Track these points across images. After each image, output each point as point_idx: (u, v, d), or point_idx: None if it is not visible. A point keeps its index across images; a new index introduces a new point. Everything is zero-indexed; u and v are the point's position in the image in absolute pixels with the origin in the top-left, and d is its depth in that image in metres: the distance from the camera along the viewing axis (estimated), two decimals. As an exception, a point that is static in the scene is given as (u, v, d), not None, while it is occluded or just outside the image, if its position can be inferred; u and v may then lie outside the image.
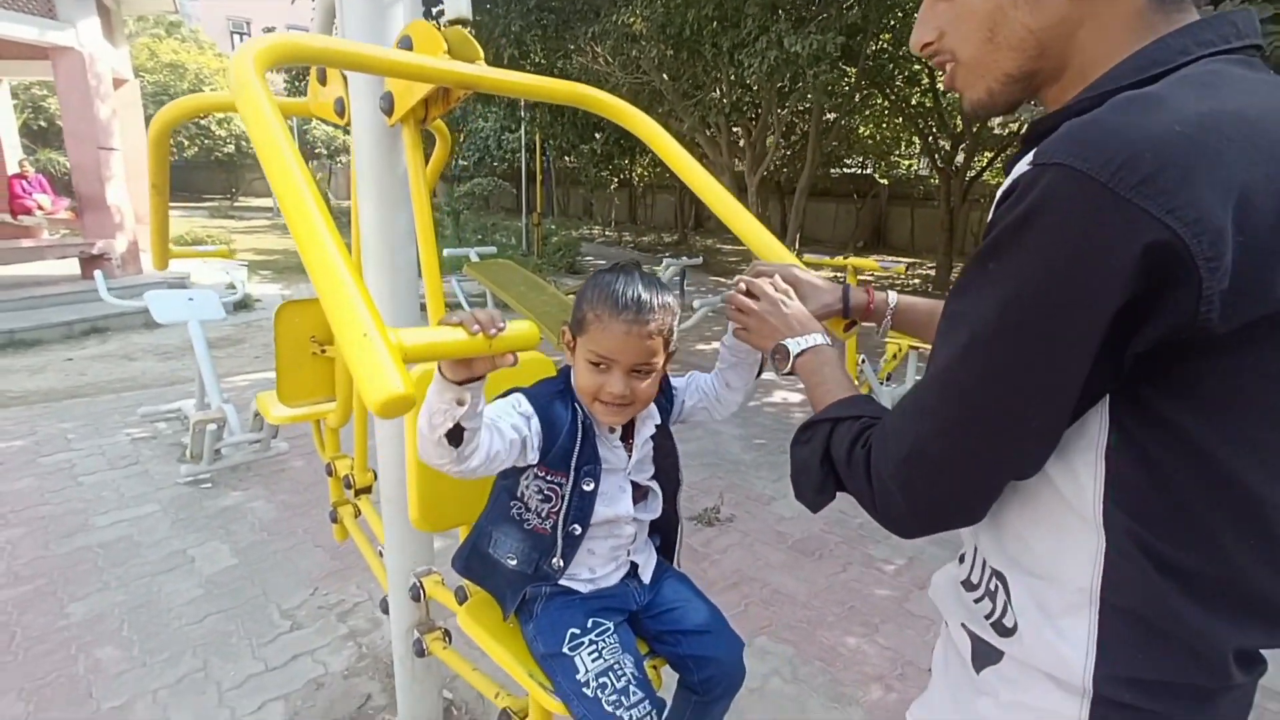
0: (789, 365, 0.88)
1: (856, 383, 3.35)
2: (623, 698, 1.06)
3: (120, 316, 6.47)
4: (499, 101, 10.44)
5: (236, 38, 29.81)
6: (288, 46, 0.97)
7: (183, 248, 2.30)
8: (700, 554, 2.87)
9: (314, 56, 1.06)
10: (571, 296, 5.44)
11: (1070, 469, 0.60)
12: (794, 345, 0.88)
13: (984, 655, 0.70)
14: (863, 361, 3.38)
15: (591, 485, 1.12)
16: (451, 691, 2.03)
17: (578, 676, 1.08)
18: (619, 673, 1.08)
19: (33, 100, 19.53)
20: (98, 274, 3.89)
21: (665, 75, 6.50)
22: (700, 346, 6.84)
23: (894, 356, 3.50)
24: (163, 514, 3.05)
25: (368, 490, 2.02)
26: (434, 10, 6.87)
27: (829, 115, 8.67)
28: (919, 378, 3.37)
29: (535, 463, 1.10)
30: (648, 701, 1.08)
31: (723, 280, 12.28)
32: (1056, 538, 0.63)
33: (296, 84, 12.66)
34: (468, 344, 0.78)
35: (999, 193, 0.61)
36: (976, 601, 0.71)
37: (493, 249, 6.34)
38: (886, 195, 17.20)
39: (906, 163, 15.91)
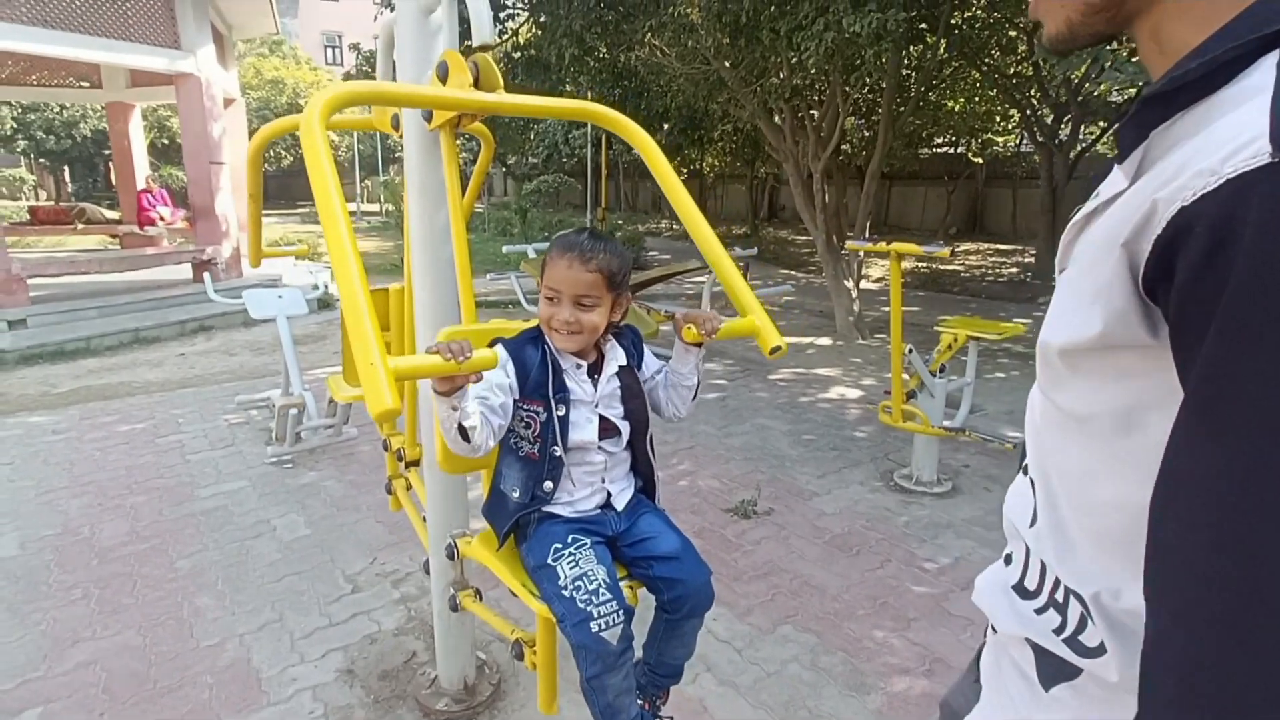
0: None
1: (905, 375, 3.36)
2: (593, 598, 1.28)
3: (223, 315, 7.27)
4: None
5: (330, 51, 32.32)
6: (346, 95, 1.30)
7: (271, 248, 2.72)
8: (732, 544, 3.02)
9: (366, 99, 1.40)
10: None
11: None
12: None
13: (1055, 671, 0.63)
14: (910, 351, 3.32)
15: (564, 410, 1.38)
16: (485, 654, 2.30)
17: (558, 582, 1.31)
18: (591, 578, 1.31)
19: (158, 120, 21.84)
20: (206, 276, 4.48)
21: (726, 63, 6.60)
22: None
23: (948, 346, 3.45)
24: (251, 489, 3.52)
25: (416, 463, 2.32)
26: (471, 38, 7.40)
27: (910, 92, 8.45)
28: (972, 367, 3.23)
29: (518, 397, 1.37)
30: (615, 602, 1.29)
31: (792, 273, 12.18)
32: None
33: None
34: (443, 366, 1.06)
35: (1167, 209, 0.45)
36: (1039, 612, 0.65)
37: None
38: (984, 175, 16.35)
39: (1002, 139, 15.06)
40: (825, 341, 7.04)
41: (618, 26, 6.89)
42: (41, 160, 24.80)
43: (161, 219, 10.32)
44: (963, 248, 14.54)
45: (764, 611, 2.55)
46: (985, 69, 9.77)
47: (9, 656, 2.27)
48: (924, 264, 12.04)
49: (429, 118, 1.66)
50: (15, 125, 21.97)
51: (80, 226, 11.08)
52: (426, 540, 2.11)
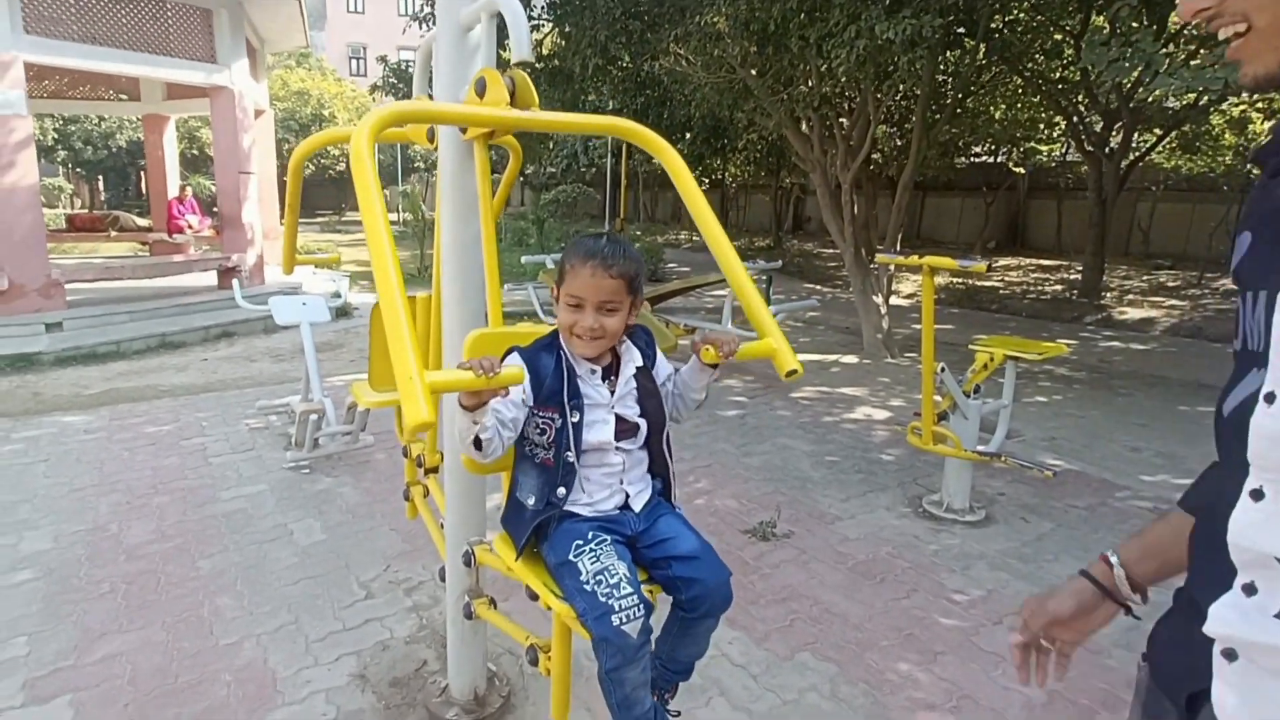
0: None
1: (936, 396, 3.34)
2: (614, 591, 1.33)
3: (245, 322, 7.52)
4: (583, 108, 10.95)
5: (355, 62, 33.47)
6: (395, 114, 1.43)
7: (303, 255, 2.84)
8: (750, 566, 3.03)
9: (413, 118, 1.56)
10: (645, 304, 5.75)
11: None
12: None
13: None
14: (942, 370, 3.27)
15: (578, 417, 1.43)
16: (495, 665, 2.34)
17: (580, 577, 1.36)
18: (613, 572, 1.35)
19: (188, 131, 22.68)
20: (234, 282, 4.67)
21: (753, 71, 6.66)
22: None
23: (984, 366, 3.40)
24: (270, 493, 3.64)
25: (435, 470, 2.39)
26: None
27: (947, 99, 8.41)
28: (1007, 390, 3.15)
29: (533, 404, 1.43)
30: (636, 596, 1.34)
31: (817, 287, 12.12)
32: None
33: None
34: (473, 381, 1.13)
35: None
36: None
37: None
38: (1026, 186, 15.88)
39: (1046, 148, 14.78)
40: (851, 359, 7.02)
41: (642, 36, 7.02)
42: (78, 170, 25.90)
43: (190, 227, 10.74)
44: (1002, 262, 14.08)
45: (782, 637, 2.55)
46: (1028, 74, 9.59)
47: (43, 645, 2.39)
48: (959, 279, 11.62)
49: (464, 129, 1.76)
50: (56, 136, 23.02)
51: (114, 234, 11.54)
52: (443, 547, 2.18)
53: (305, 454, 3.99)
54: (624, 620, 1.31)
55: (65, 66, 7.51)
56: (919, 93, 6.98)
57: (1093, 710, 2.22)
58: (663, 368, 1.59)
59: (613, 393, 1.48)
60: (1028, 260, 14.75)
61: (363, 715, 2.13)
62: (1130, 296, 10.57)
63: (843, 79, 5.96)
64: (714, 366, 1.49)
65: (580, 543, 1.42)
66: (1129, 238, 14.67)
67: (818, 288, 12.02)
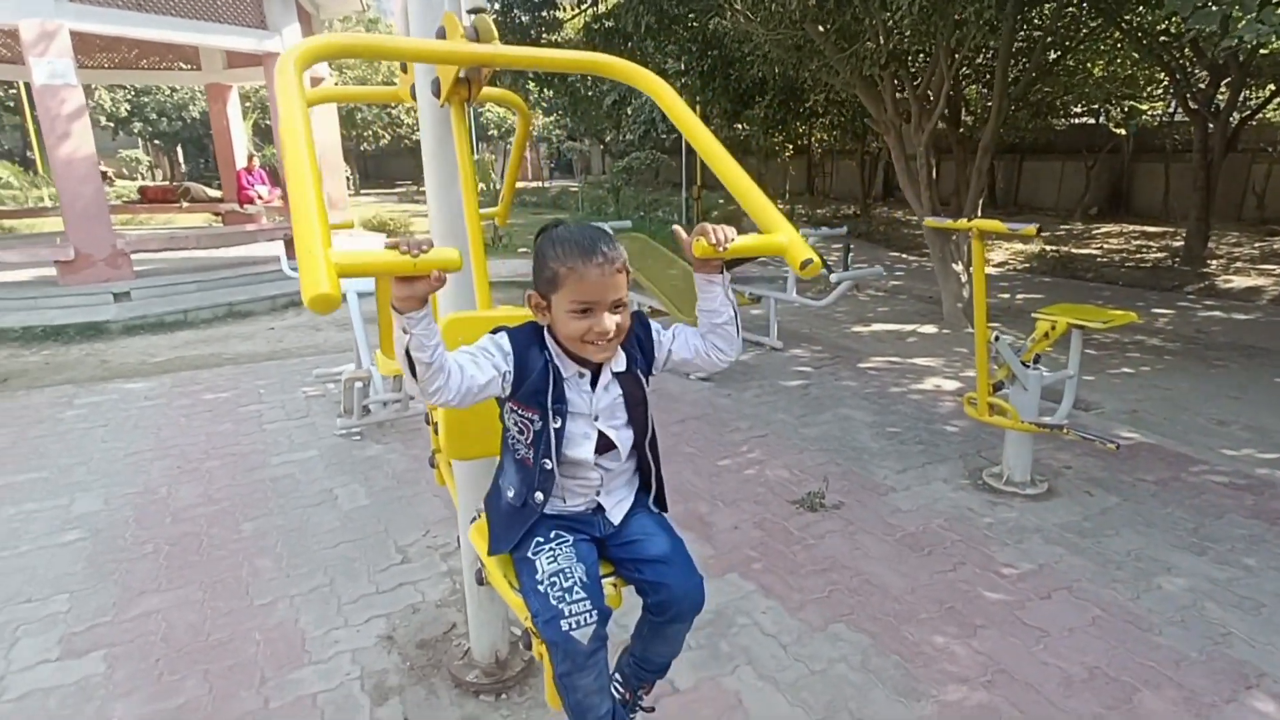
0: None
1: (993, 365, 3.20)
2: (566, 595, 1.30)
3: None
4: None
5: (427, 26, 33.72)
6: (323, 46, 1.31)
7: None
8: (794, 537, 2.99)
9: (346, 50, 1.39)
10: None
11: None
12: None
13: None
14: (996, 339, 3.14)
15: (559, 423, 1.35)
16: (520, 629, 2.39)
17: (535, 576, 1.34)
18: (568, 575, 1.32)
19: (260, 101, 23.59)
20: (282, 254, 4.84)
21: (819, 26, 6.38)
22: (856, 328, 6.73)
23: (1044, 335, 3.24)
24: (320, 459, 3.80)
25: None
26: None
27: (1036, 55, 7.86)
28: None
29: (508, 396, 1.34)
30: (589, 601, 1.30)
31: (900, 255, 11.71)
32: None
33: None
34: (394, 263, 0.98)
35: None
36: None
37: (627, 223, 6.71)
38: (1131, 148, 15.01)
39: (1148, 106, 13.71)
40: (929, 329, 6.77)
41: (702, -9, 6.82)
42: (156, 141, 27.46)
43: (259, 197, 11.20)
44: (1103, 229, 13.58)
45: (817, 608, 2.51)
46: (1127, 27, 8.94)
47: (84, 603, 2.58)
48: (1053, 247, 11.37)
49: (436, 93, 1.71)
50: (130, 108, 24.40)
51: (186, 205, 12.20)
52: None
53: (356, 421, 4.15)
54: (573, 626, 1.28)
55: (109, 34, 7.77)
56: (997, 48, 6.54)
57: (1134, 688, 2.13)
58: (662, 342, 1.45)
59: (593, 400, 1.39)
60: (1131, 226, 14.01)
61: (387, 675, 2.21)
62: (1238, 264, 9.95)
63: (908, 32, 5.64)
64: (718, 271, 1.34)
65: (541, 540, 1.39)
66: (1242, 202, 13.79)
67: (902, 255, 11.62)
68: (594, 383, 1.39)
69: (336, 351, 5.90)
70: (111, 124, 25.43)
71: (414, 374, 1.16)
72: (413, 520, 3.16)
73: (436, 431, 2.49)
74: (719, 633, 2.38)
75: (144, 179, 24.88)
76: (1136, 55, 10.24)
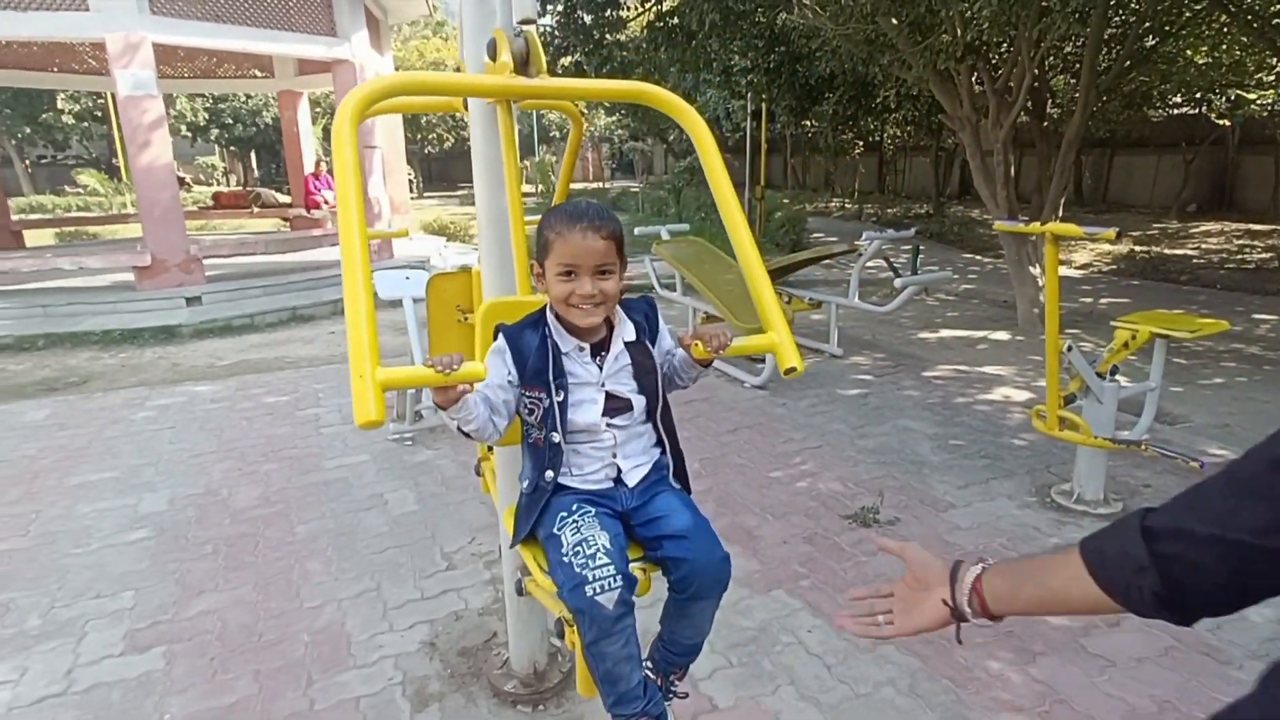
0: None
1: (1065, 375, 3.08)
2: (590, 561, 1.35)
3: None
4: (715, 67, 10.63)
5: (492, 30, 34.67)
6: (377, 90, 1.36)
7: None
8: (845, 553, 2.95)
9: (398, 90, 1.43)
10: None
11: None
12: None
13: None
14: (1068, 349, 3.01)
15: (563, 396, 1.44)
16: (561, 642, 2.43)
17: (561, 549, 1.39)
18: (591, 543, 1.37)
19: (330, 107, 24.59)
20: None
21: (892, 19, 6.25)
22: (923, 334, 6.55)
23: (1124, 345, 3.09)
24: (371, 463, 3.95)
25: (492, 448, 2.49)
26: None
27: (1130, 42, 7.49)
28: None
29: (519, 384, 1.46)
30: (612, 566, 1.34)
31: (975, 257, 11.35)
32: None
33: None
34: (431, 378, 1.14)
35: None
36: None
37: (685, 226, 6.70)
38: (1236, 140, 14.14)
39: (1256, 95, 12.83)
40: (1002, 336, 6.54)
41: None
42: (231, 147, 28.93)
43: (326, 202, 11.66)
44: (1201, 227, 12.81)
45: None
46: (1235, 9, 8.41)
47: (147, 599, 2.76)
48: (1144, 248, 10.82)
49: None
50: (208, 116, 25.79)
51: (256, 210, 12.83)
52: (509, 522, 2.28)
53: (408, 426, 4.29)
54: (598, 591, 1.32)
55: (189, 45, 8.26)
56: (1085, 37, 6.25)
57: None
58: (666, 341, 1.56)
59: (601, 369, 1.47)
60: (1233, 224, 13.13)
61: (428, 682, 2.29)
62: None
63: (986, 23, 5.46)
64: (706, 364, 1.46)
65: (565, 514, 1.44)
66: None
67: (976, 257, 11.27)
68: (597, 354, 1.48)
69: (392, 355, 6.10)
70: (190, 133, 26.97)
71: (468, 436, 1.36)
72: (459, 527, 3.25)
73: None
74: (761, 651, 2.37)
75: (219, 184, 26.31)
76: (1246, 39, 9.60)
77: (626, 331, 1.51)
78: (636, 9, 11.27)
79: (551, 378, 1.44)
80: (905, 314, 7.23)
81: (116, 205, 19.18)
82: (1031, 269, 6.70)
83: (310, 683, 2.28)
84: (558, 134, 27.23)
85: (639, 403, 1.49)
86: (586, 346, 1.48)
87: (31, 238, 11.61)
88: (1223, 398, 4.76)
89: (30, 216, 14.68)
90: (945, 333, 6.75)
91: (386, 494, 3.59)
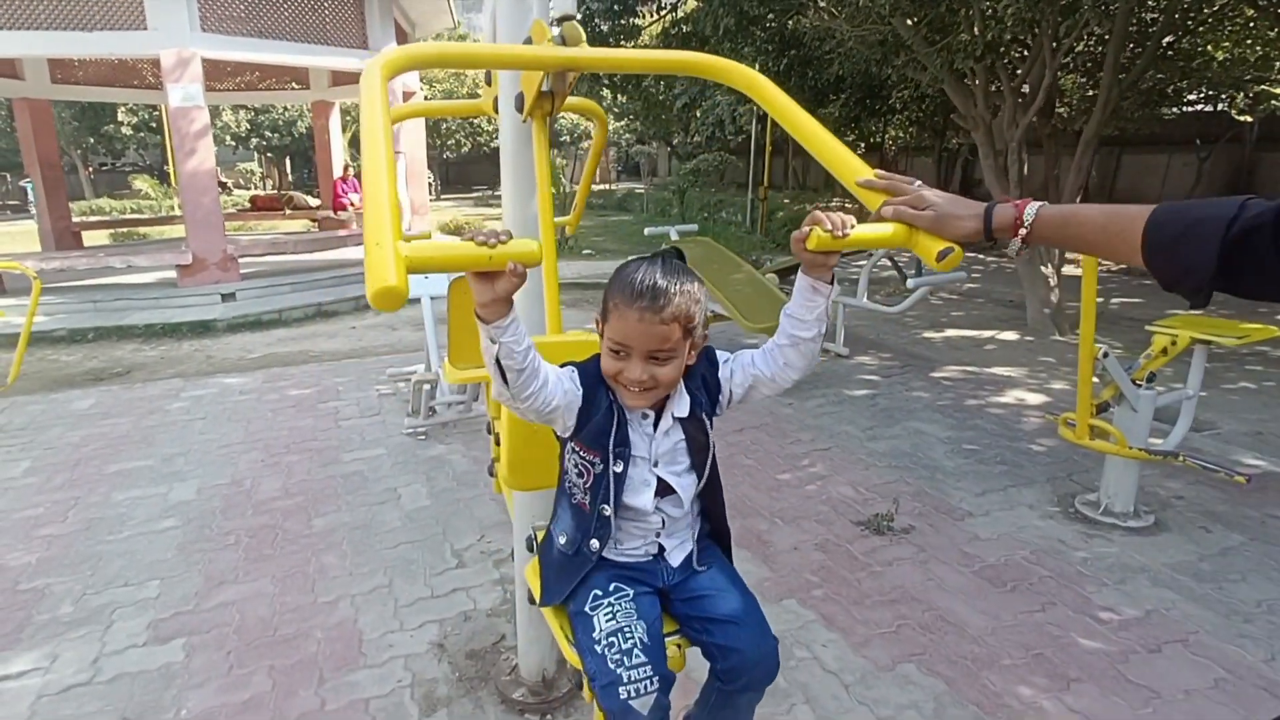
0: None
1: (1098, 380, 2.87)
2: (625, 658, 1.15)
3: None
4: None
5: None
6: (409, 56, 1.28)
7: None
8: (859, 562, 2.77)
9: (430, 60, 1.35)
10: (771, 276, 5.41)
11: None
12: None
13: None
14: (1104, 355, 2.78)
15: (621, 467, 1.23)
16: (580, 689, 2.28)
17: (593, 634, 1.20)
18: (627, 635, 1.18)
19: (359, 116, 24.73)
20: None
21: (909, 20, 6.03)
22: (929, 334, 6.34)
23: (1163, 351, 2.86)
24: (387, 457, 3.82)
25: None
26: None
27: (1150, 39, 7.19)
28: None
29: (569, 435, 1.23)
30: (650, 667, 1.15)
31: (978, 255, 11.07)
32: None
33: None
34: (469, 256, 0.88)
35: None
36: None
37: (694, 226, 6.54)
38: (1255, 136, 13.37)
39: None
40: (1011, 336, 6.32)
41: (782, -10, 6.59)
42: (268, 154, 29.24)
43: (352, 205, 11.64)
44: None
45: (885, 644, 2.29)
46: (1263, 4, 8.03)
47: (172, 589, 2.64)
48: None
49: (519, 108, 1.64)
50: (249, 126, 26.12)
51: (288, 212, 12.82)
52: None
53: (423, 421, 4.16)
54: (632, 695, 1.13)
55: (234, 59, 8.31)
56: (1110, 34, 5.98)
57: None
58: (722, 369, 1.29)
59: (653, 444, 1.26)
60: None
61: (436, 685, 2.14)
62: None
63: (1009, 21, 5.23)
64: (831, 279, 1.15)
65: (599, 593, 1.25)
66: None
67: (979, 256, 11.00)
68: (656, 424, 1.26)
69: (410, 351, 6.00)
70: (234, 142, 27.38)
71: (505, 381, 1.07)
72: (469, 523, 3.11)
73: (498, 442, 2.43)
74: (776, 662, 2.20)
75: (256, 188, 26.50)
76: (1273, 34, 9.19)
77: (681, 405, 1.25)
78: (651, 17, 11.11)
79: (613, 444, 1.22)
80: (910, 313, 6.99)
81: (165, 208, 19.48)
82: (1043, 269, 6.44)
83: (322, 681, 2.15)
84: (568, 138, 27.11)
85: (688, 486, 1.28)
86: (651, 414, 1.25)
87: (89, 238, 11.75)
88: (1252, 404, 4.50)
89: (89, 219, 14.83)
90: (952, 332, 6.53)
91: (400, 488, 3.45)
